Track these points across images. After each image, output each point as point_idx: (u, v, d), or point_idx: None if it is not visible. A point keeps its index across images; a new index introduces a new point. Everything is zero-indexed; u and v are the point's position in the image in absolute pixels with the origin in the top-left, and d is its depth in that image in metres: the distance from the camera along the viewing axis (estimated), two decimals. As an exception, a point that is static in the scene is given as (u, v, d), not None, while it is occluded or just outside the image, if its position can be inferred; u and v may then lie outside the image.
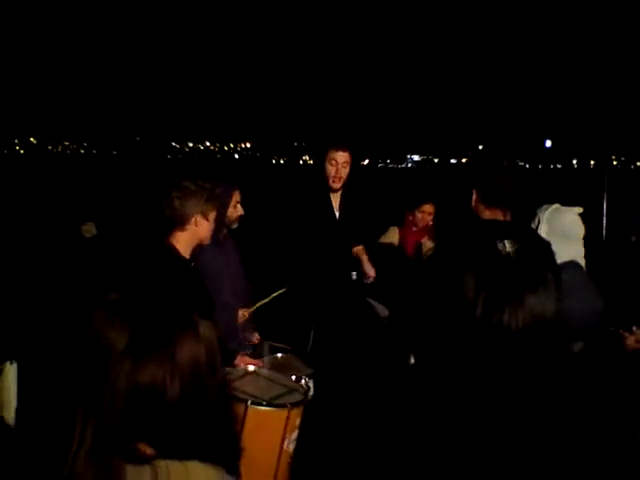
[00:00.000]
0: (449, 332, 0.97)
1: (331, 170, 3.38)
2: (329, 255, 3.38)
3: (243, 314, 2.84)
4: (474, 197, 2.41)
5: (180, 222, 2.43)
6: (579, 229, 2.65)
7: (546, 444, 0.92)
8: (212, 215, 2.49)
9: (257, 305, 2.91)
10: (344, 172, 3.39)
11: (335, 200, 3.50)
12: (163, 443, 0.90)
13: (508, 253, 0.96)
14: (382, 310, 3.32)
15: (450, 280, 0.98)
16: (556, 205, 2.65)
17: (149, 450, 0.90)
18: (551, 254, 1.03)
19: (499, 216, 2.36)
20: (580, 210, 2.65)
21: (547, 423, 0.93)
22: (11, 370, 2.45)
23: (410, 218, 3.93)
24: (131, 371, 0.87)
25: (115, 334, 0.88)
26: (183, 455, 0.92)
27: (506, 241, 0.96)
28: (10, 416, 2.38)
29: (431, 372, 1.00)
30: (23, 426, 0.94)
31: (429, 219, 3.89)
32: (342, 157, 3.36)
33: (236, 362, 2.63)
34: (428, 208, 3.88)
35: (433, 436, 0.94)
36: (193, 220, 2.43)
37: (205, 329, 0.96)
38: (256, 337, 3.06)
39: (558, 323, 0.96)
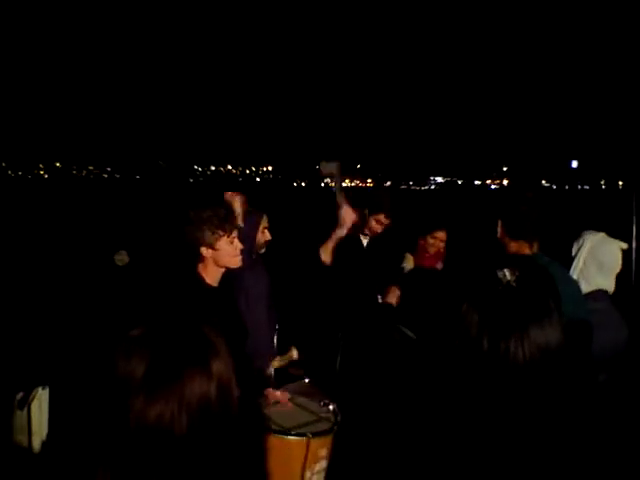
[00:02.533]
0: (459, 364, 0.99)
1: (374, 227, 3.46)
2: (356, 280, 3.41)
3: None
4: (499, 229, 2.43)
5: (194, 253, 2.40)
6: (617, 264, 2.63)
7: (553, 466, 0.92)
8: (223, 241, 2.40)
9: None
10: (380, 230, 3.49)
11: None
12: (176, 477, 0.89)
13: (509, 281, 0.98)
14: (409, 334, 3.30)
15: (455, 314, 1.00)
16: (603, 234, 2.64)
17: None
18: (552, 281, 1.04)
19: (525, 248, 2.37)
20: (625, 246, 2.64)
21: (557, 452, 0.93)
22: (43, 395, 2.48)
23: (422, 243, 3.90)
24: (141, 408, 0.87)
25: (130, 370, 0.89)
26: None
27: (505, 270, 0.99)
28: (41, 441, 2.41)
29: (450, 400, 1.01)
30: (52, 453, 0.95)
31: (441, 245, 3.87)
32: (387, 221, 3.46)
33: (266, 394, 2.58)
34: (440, 235, 3.86)
35: (454, 463, 0.96)
36: (203, 250, 2.38)
37: (218, 366, 0.95)
38: (294, 354, 3.08)
39: (564, 352, 0.97)
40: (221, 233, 2.38)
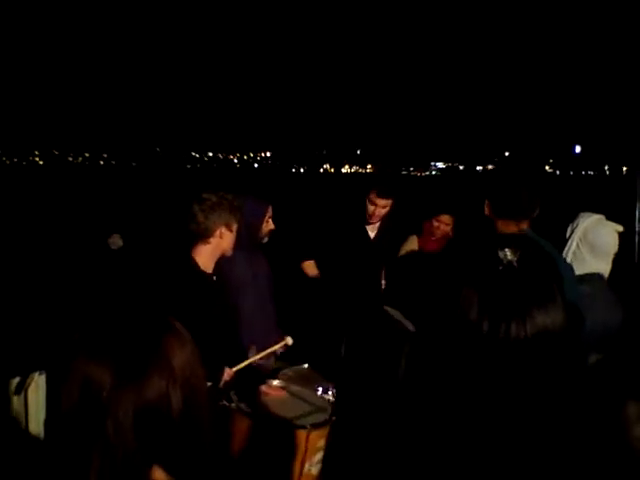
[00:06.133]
0: (458, 347, 0.95)
1: (370, 209, 3.41)
2: (361, 272, 3.38)
3: (228, 373, 2.46)
4: (486, 209, 2.42)
5: (204, 235, 2.40)
6: (611, 247, 2.60)
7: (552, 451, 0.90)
8: (235, 226, 2.46)
9: (243, 364, 2.55)
10: (382, 212, 3.42)
11: (372, 226, 3.53)
12: (175, 463, 0.89)
13: (510, 261, 0.95)
14: (409, 326, 3.28)
15: (454, 296, 0.96)
16: (599, 216, 2.60)
17: (163, 475, 0.88)
18: (553, 262, 1.02)
19: (512, 227, 2.34)
20: (620, 229, 2.60)
21: (555, 436, 0.90)
22: (39, 380, 2.46)
23: (427, 227, 3.89)
24: (136, 392, 0.84)
25: (98, 369, 0.85)
26: (195, 477, 0.90)
27: (507, 249, 0.96)
28: (38, 428, 2.39)
29: (448, 386, 0.98)
30: (48, 439, 0.92)
31: (447, 229, 3.83)
32: (383, 203, 3.39)
33: (263, 389, 2.56)
34: (445, 219, 3.82)
35: (454, 453, 0.94)
36: (218, 232, 2.40)
37: (184, 330, 0.94)
38: (289, 341, 3.08)
39: (566, 335, 0.94)
40: (238, 216, 2.45)
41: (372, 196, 3.37)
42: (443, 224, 3.82)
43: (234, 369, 2.45)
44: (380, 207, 3.39)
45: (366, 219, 3.47)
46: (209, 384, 2.33)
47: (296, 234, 3.42)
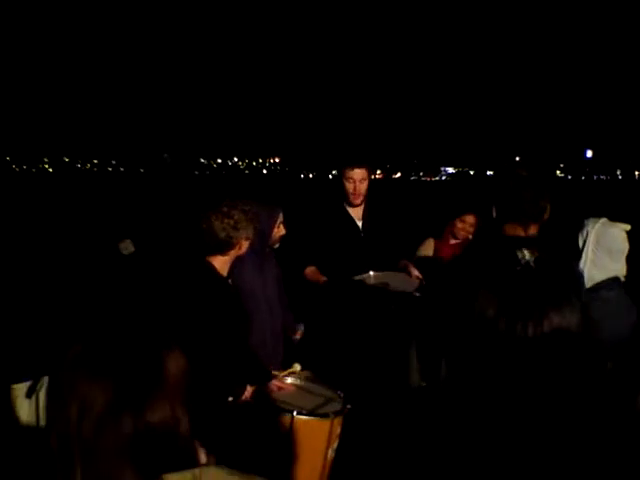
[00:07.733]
0: (473, 347, 0.95)
1: (349, 187, 3.38)
2: (354, 264, 3.34)
3: (249, 391, 2.49)
4: (494, 213, 2.38)
5: (225, 248, 2.41)
6: (624, 246, 2.63)
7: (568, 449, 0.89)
8: (252, 233, 2.49)
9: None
10: (362, 188, 3.39)
11: (357, 212, 3.49)
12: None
13: (528, 262, 0.96)
14: (410, 284, 3.17)
15: (472, 295, 0.96)
16: (604, 219, 2.62)
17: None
18: (570, 265, 1.02)
19: (519, 230, 2.29)
20: (628, 227, 2.63)
21: (567, 436, 0.89)
22: (51, 384, 2.46)
23: (450, 230, 3.81)
24: (137, 415, 0.84)
25: (97, 390, 0.84)
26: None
27: (525, 250, 0.98)
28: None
29: (461, 383, 0.98)
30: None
31: (470, 230, 3.73)
32: (358, 174, 3.36)
33: (270, 385, 2.57)
34: (470, 219, 3.74)
35: (463, 447, 0.94)
36: (238, 246, 2.43)
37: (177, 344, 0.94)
38: (301, 332, 3.13)
39: (582, 337, 0.94)
40: (256, 224, 2.48)
41: (346, 172, 3.36)
42: (467, 224, 3.72)
43: (254, 389, 2.49)
44: (358, 182, 3.35)
45: (350, 204, 3.42)
46: (230, 399, 2.37)
47: (292, 241, 3.39)
